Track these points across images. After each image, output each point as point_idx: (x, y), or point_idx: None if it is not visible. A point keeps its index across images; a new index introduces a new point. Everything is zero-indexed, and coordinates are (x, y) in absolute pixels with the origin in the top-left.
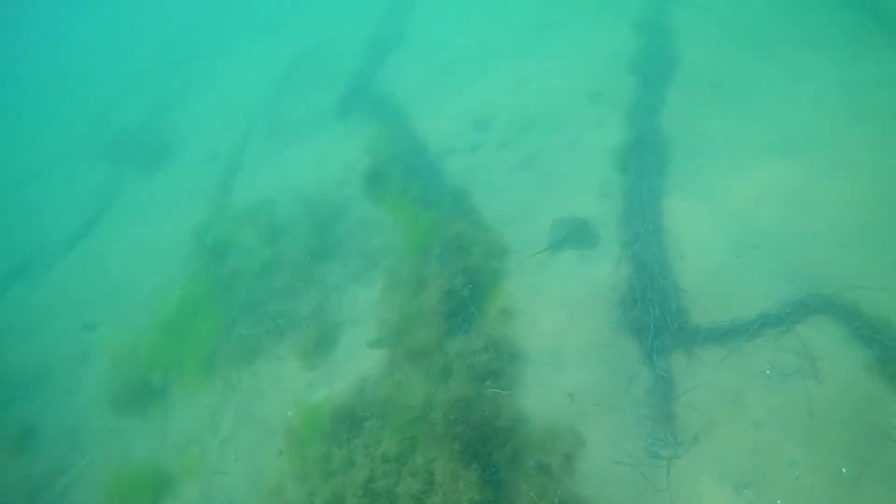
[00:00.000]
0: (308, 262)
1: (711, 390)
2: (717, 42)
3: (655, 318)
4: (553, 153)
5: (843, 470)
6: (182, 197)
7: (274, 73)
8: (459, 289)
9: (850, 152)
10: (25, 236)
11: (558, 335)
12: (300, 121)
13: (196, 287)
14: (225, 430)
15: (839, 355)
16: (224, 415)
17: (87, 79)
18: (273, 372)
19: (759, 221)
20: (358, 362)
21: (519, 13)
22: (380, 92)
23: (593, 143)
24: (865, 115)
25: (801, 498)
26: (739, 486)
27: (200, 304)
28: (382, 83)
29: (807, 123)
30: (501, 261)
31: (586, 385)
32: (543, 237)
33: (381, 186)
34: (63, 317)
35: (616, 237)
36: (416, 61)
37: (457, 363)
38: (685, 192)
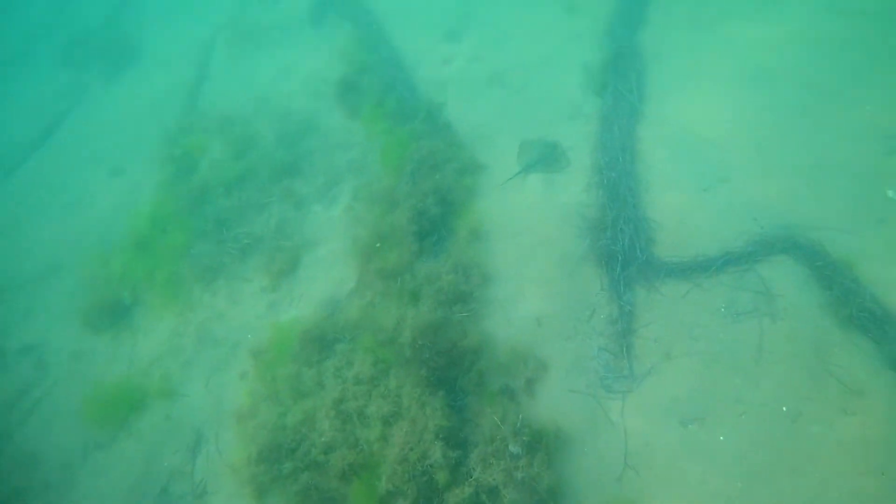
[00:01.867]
0: (277, 177)
1: (669, 325)
2: None
3: (624, 249)
4: (527, 68)
5: (784, 408)
6: (147, 103)
7: None
8: (431, 208)
9: (828, 85)
10: None
11: (526, 259)
12: (271, 24)
13: (166, 201)
14: (187, 351)
15: (797, 295)
16: (186, 336)
17: None
18: (235, 292)
19: (728, 154)
20: (323, 282)
21: None
22: None
23: (569, 58)
24: (849, 45)
25: (741, 434)
26: (686, 420)
27: (170, 219)
28: None
29: (787, 53)
30: (475, 177)
31: (550, 311)
32: (514, 158)
33: (356, 98)
34: (25, 231)
35: (588, 161)
36: None
37: (426, 286)
38: (656, 117)
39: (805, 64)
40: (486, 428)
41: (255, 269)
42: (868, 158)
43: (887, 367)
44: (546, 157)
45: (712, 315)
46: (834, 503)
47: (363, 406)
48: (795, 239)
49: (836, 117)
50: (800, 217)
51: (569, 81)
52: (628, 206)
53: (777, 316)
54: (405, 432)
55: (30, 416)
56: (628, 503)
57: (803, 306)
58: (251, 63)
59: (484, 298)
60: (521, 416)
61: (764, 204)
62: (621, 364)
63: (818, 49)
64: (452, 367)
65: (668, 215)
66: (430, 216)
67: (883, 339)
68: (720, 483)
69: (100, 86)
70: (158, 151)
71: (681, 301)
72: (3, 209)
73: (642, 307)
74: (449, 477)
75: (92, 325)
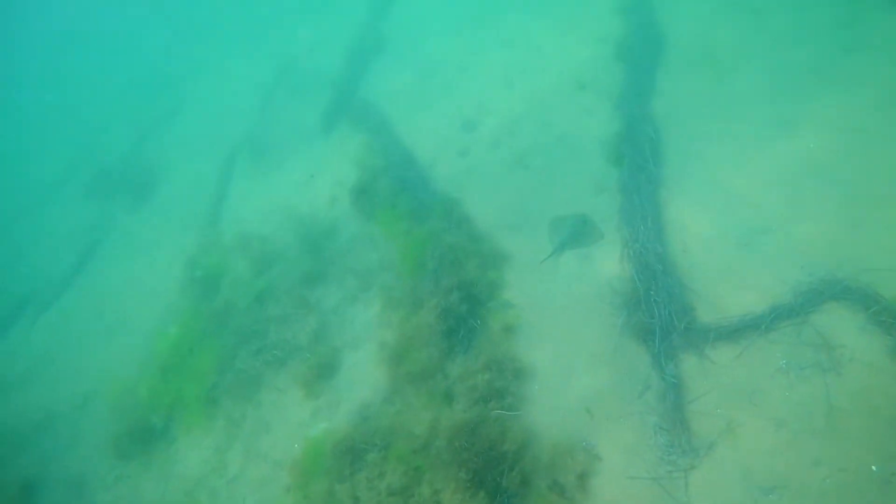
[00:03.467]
0: (302, 287)
1: (726, 391)
2: (705, 15)
3: (661, 320)
4: (544, 149)
5: (874, 468)
6: (171, 228)
7: (255, 91)
8: (456, 305)
9: (852, 124)
10: (17, 278)
11: (562, 345)
12: (284, 139)
13: (190, 323)
14: (233, 468)
15: (858, 344)
16: (230, 452)
17: (68, 112)
18: (276, 404)
19: (764, 205)
20: (359, 389)
21: (496, 7)
22: (363, 102)
23: (585, 134)
24: (864, 83)
25: (830, 500)
26: (765, 491)
27: (196, 340)
28: (365, 93)
29: (804, 97)
30: (500, 270)
31: (595, 396)
32: (545, 239)
33: (370, 202)
34: (60, 361)
35: (616, 234)
36: (398, 68)
37: (459, 385)
38: (684, 180)
39: (821, 106)
40: None
41: (295, 378)
42: None
43: None
44: (578, 232)
45: (771, 375)
46: None
47: None
48: (846, 283)
49: (868, 153)
50: (847, 259)
51: (588, 157)
52: (659, 275)
53: (842, 368)
54: None
55: None
56: None
57: (867, 355)
58: (269, 177)
59: (521, 392)
60: None
61: (808, 251)
62: (679, 439)
63: (833, 84)
64: (493, 468)
65: (709, 276)
66: (456, 313)
67: None
68: None
69: (125, 215)
70: (182, 274)
71: (735, 364)
72: (45, 340)
73: (694, 376)
74: None
75: (124, 453)
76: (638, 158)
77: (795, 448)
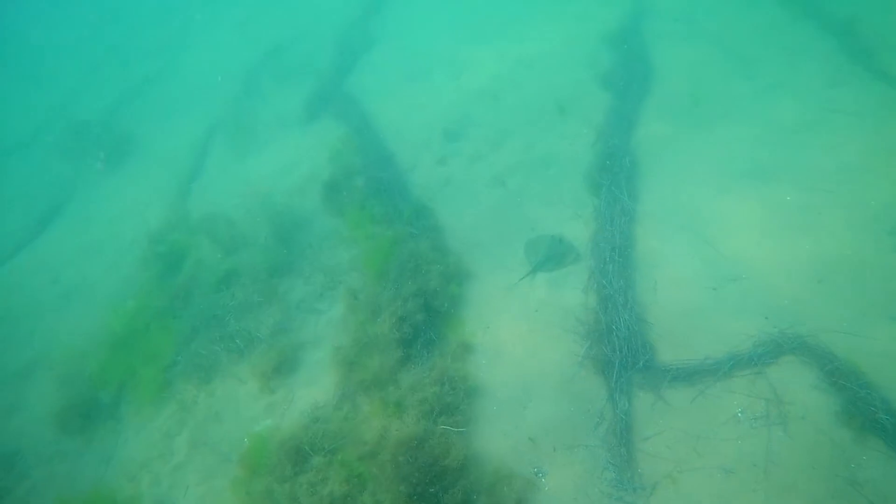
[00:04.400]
0: (268, 277)
1: (677, 434)
2: (695, 57)
3: (621, 355)
4: (522, 170)
5: None
6: (139, 199)
7: (241, 71)
8: (414, 314)
9: (828, 183)
10: None
11: (519, 369)
12: (265, 123)
13: (149, 299)
14: (179, 455)
15: (808, 401)
16: (178, 438)
17: (49, 66)
18: (231, 394)
19: (736, 252)
20: (313, 389)
21: (492, 19)
22: (348, 95)
23: (565, 160)
24: (843, 145)
25: None
26: None
27: (153, 317)
28: (351, 86)
29: (785, 151)
30: (461, 286)
31: (545, 425)
32: (513, 260)
33: (342, 199)
34: (6, 323)
35: (585, 264)
36: (387, 65)
37: (410, 396)
38: (660, 217)
39: (801, 161)
40: None
41: (252, 369)
42: (877, 253)
43: None
44: (554, 253)
45: (724, 422)
46: None
47: None
48: (805, 340)
49: (840, 214)
50: (810, 315)
51: (566, 182)
52: (624, 310)
53: (789, 424)
54: None
55: None
56: None
57: (816, 414)
58: (245, 160)
59: (471, 411)
60: None
61: (773, 303)
62: (626, 477)
63: (815, 141)
64: (434, 483)
65: (673, 316)
66: (413, 322)
67: None
68: None
69: (96, 179)
70: (146, 247)
71: (689, 408)
72: None
73: (648, 415)
74: None
75: (67, 427)
76: (615, 189)
77: (740, 498)
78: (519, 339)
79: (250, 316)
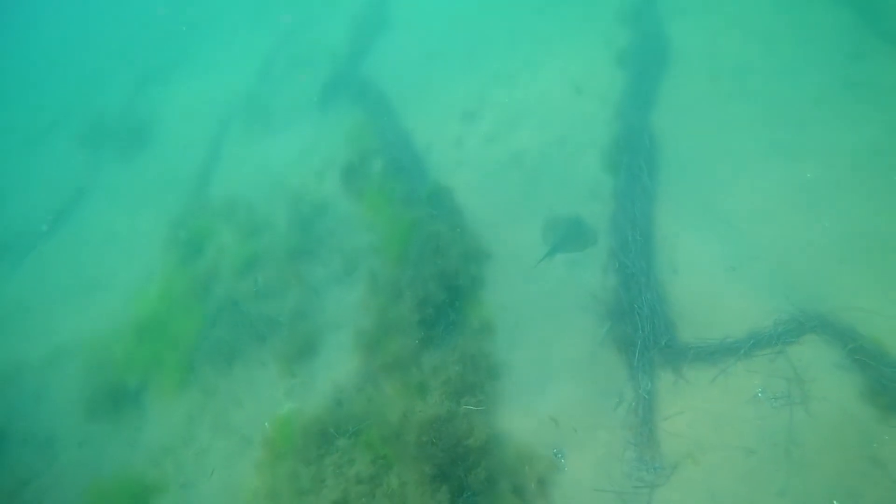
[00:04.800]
0: (288, 261)
1: (698, 413)
2: (715, 33)
3: (643, 334)
4: (541, 151)
5: (834, 502)
6: (160, 186)
7: (257, 56)
8: (435, 294)
9: (851, 160)
10: None
11: (541, 348)
12: (282, 109)
13: (171, 285)
14: (201, 439)
15: (830, 380)
16: (200, 423)
17: (67, 55)
18: (252, 378)
19: (757, 231)
20: (335, 372)
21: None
22: (364, 79)
23: (583, 140)
24: (864, 120)
25: None
26: None
27: (177, 302)
28: (367, 70)
29: (807, 127)
30: (480, 265)
31: (567, 405)
32: (532, 239)
33: (360, 182)
34: (34, 312)
35: (605, 243)
36: (403, 48)
37: (433, 378)
38: (679, 197)
39: (822, 137)
40: None
41: (273, 354)
42: None
43: None
44: (573, 234)
45: (745, 402)
46: None
47: None
48: (827, 318)
49: (862, 191)
50: (832, 294)
51: (585, 162)
52: (646, 289)
53: (811, 403)
54: None
55: None
56: None
57: (838, 393)
58: (262, 146)
59: (493, 391)
60: None
61: (794, 282)
62: (648, 457)
63: (835, 117)
64: (458, 464)
65: (694, 296)
66: (434, 303)
67: None
68: None
69: (115, 167)
70: (167, 234)
71: (710, 388)
72: (19, 290)
73: (668, 394)
74: None
75: (94, 413)
76: (634, 168)
77: (761, 477)
78: (539, 318)
79: (271, 300)
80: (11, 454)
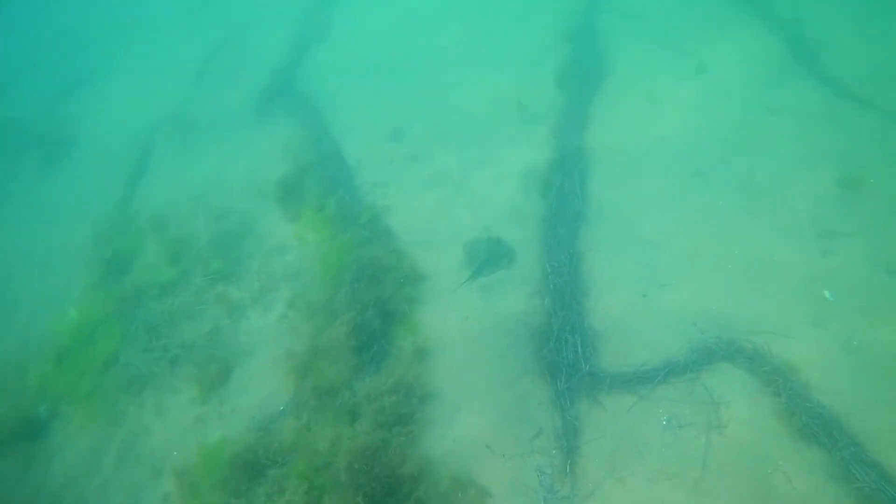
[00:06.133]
0: (214, 283)
1: (613, 441)
2: (644, 52)
3: (568, 360)
4: (468, 169)
5: None
6: (81, 200)
7: (188, 64)
8: (371, 321)
9: (761, 186)
10: None
11: (466, 374)
12: (213, 120)
13: (94, 306)
14: (105, 470)
15: (743, 404)
16: (106, 453)
17: None
18: (161, 404)
19: (667, 256)
20: (257, 398)
21: (446, 17)
22: (299, 92)
23: (511, 160)
24: (778, 147)
25: None
26: None
27: (98, 325)
28: (303, 82)
29: (722, 152)
30: (416, 288)
31: (493, 431)
32: (461, 262)
33: (296, 201)
34: None
35: (531, 265)
36: (340, 60)
37: (365, 405)
38: (599, 219)
39: (739, 163)
40: None
41: (184, 379)
42: (805, 259)
43: (835, 477)
44: (493, 256)
45: (656, 429)
46: None
47: None
48: (737, 344)
49: (771, 218)
50: (740, 321)
51: (512, 182)
52: (572, 314)
53: (724, 428)
54: None
55: None
56: None
57: (751, 416)
58: (191, 159)
59: (424, 419)
60: None
61: (703, 309)
62: (563, 484)
63: (752, 143)
64: (390, 493)
65: (611, 323)
66: (369, 329)
67: (833, 446)
68: None
69: (33, 177)
70: (89, 252)
71: (625, 415)
72: None
73: (586, 422)
74: None
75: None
76: (566, 190)
77: (674, 501)
78: (467, 342)
79: (188, 324)
80: None
